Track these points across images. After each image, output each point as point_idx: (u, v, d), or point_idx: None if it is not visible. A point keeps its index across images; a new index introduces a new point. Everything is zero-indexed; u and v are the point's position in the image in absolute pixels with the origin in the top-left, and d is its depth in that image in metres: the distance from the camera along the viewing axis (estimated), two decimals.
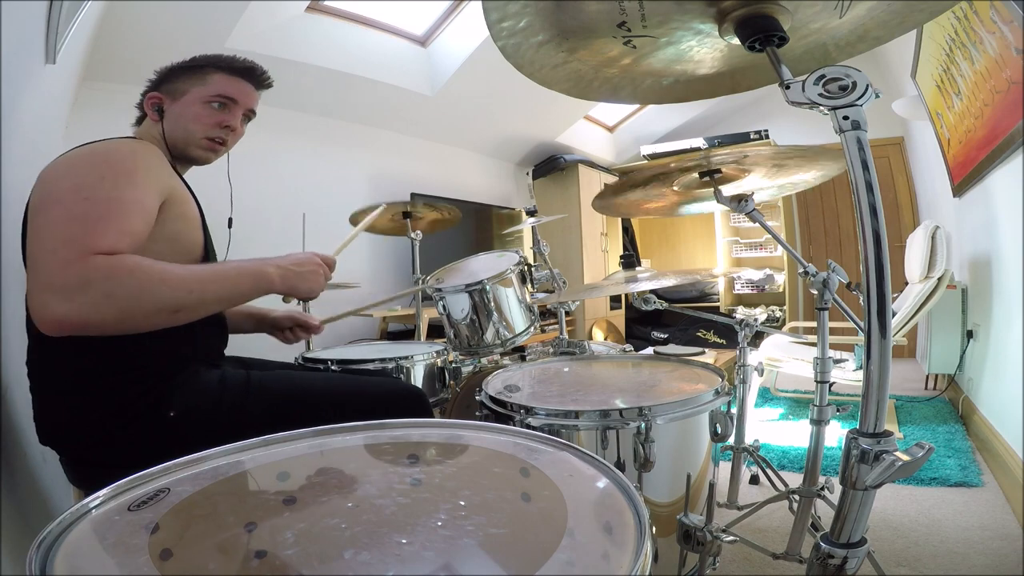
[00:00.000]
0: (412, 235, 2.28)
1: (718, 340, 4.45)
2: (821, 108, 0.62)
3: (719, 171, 1.17)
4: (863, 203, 0.61)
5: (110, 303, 0.75)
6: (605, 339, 4.38)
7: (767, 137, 4.36)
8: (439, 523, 0.48)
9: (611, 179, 4.99)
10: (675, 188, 1.28)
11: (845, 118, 0.61)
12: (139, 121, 1.12)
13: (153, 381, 0.93)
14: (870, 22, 0.77)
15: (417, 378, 1.53)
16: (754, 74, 0.88)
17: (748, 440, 1.64)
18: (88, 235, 0.77)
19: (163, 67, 1.10)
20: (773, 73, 0.67)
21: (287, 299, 1.01)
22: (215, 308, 0.90)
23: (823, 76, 0.61)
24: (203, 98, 1.07)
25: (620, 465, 0.93)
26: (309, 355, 1.55)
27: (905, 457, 0.59)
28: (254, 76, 1.12)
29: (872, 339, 0.62)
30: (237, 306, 0.97)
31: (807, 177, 1.27)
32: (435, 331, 2.84)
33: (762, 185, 1.30)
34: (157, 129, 1.07)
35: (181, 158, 1.10)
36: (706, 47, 0.79)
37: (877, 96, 0.60)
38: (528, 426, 0.93)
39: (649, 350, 2.62)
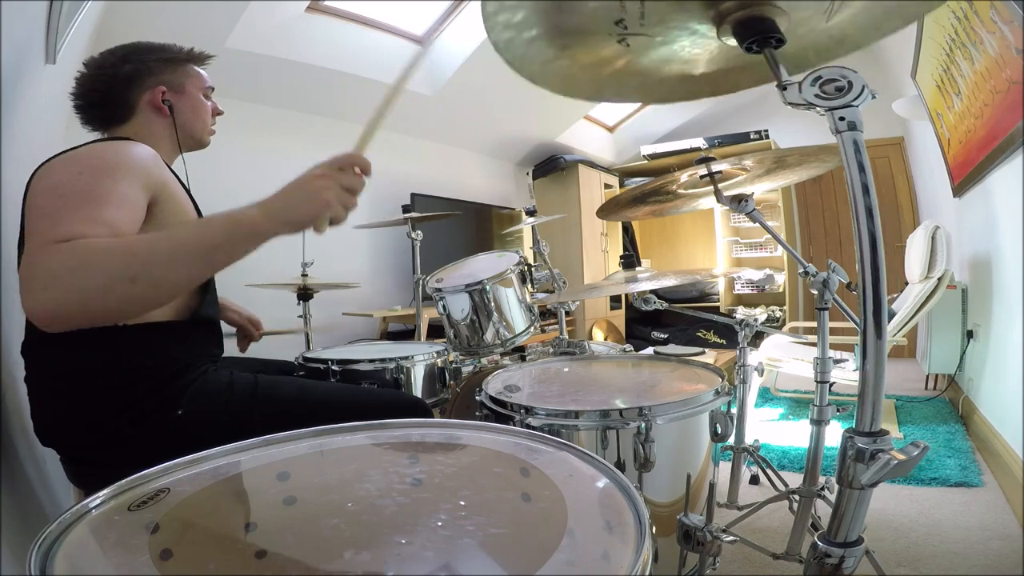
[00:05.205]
0: (412, 235, 2.27)
1: (718, 340, 4.44)
2: (818, 109, 0.62)
3: (719, 171, 1.18)
4: (859, 205, 0.61)
5: (64, 286, 0.67)
6: (605, 339, 4.38)
7: (767, 137, 4.35)
8: (439, 523, 0.48)
9: (611, 179, 4.99)
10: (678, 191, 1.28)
11: (841, 119, 0.61)
12: (122, 119, 1.05)
13: (160, 381, 0.93)
14: (850, 27, 0.76)
15: (417, 378, 1.53)
16: (750, 74, 0.88)
17: (748, 440, 1.64)
18: (52, 227, 0.72)
19: (131, 62, 1.04)
20: (768, 72, 0.67)
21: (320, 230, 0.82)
22: (183, 271, 0.73)
23: (819, 77, 0.62)
24: (202, 90, 1.13)
25: (620, 465, 0.93)
26: (309, 355, 1.55)
27: (900, 456, 0.60)
28: (203, 60, 1.16)
29: (868, 339, 0.62)
30: (228, 264, 0.78)
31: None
32: (435, 331, 2.84)
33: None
34: (164, 123, 1.07)
35: (196, 147, 1.15)
36: (699, 47, 0.79)
37: (873, 97, 0.61)
38: (528, 426, 0.93)
39: (649, 350, 2.62)
